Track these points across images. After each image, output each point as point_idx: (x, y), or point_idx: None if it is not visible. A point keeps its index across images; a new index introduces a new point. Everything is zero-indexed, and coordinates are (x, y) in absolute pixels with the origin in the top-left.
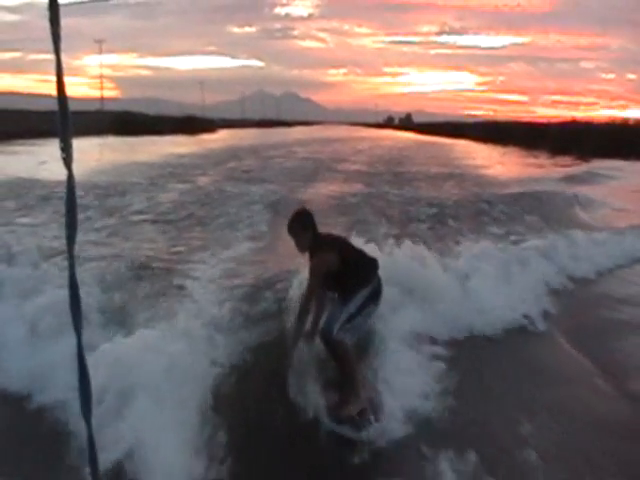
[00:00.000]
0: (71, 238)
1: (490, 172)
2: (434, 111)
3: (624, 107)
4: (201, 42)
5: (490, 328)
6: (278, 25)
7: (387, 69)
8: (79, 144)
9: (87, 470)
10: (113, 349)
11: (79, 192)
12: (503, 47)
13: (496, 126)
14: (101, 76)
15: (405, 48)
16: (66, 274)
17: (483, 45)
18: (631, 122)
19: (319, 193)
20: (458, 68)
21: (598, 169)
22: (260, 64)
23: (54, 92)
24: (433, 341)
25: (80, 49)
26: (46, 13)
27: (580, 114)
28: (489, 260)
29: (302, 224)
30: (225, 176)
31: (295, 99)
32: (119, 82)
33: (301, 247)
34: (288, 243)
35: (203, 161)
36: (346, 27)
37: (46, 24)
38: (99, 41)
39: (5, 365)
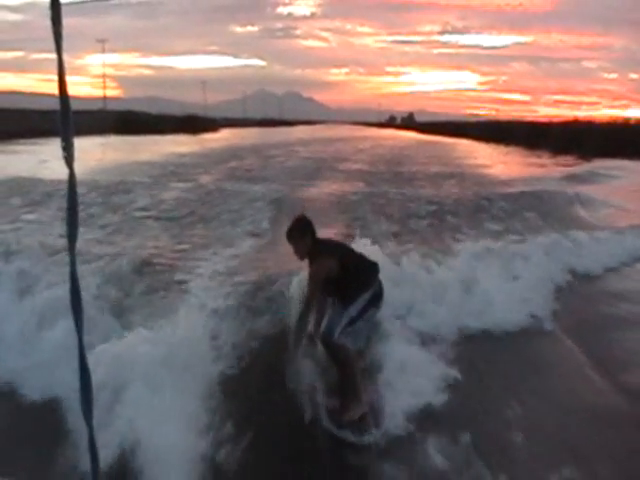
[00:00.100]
0: (72, 236)
1: (491, 171)
2: (436, 110)
3: (626, 107)
4: (203, 41)
5: (496, 327)
6: (280, 24)
7: (389, 68)
8: (81, 143)
9: (87, 470)
10: (113, 345)
11: (82, 190)
12: (505, 47)
13: (498, 125)
14: (103, 75)
15: (407, 47)
16: (67, 270)
17: (485, 45)
18: (633, 122)
19: (320, 192)
20: (460, 67)
21: (599, 168)
22: (262, 63)
23: (56, 91)
24: (438, 340)
25: (82, 48)
26: (48, 13)
27: (582, 114)
28: (490, 259)
29: (301, 231)
30: (227, 175)
31: (297, 98)
32: (121, 81)
33: (300, 254)
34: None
35: (205, 160)
36: (348, 26)
37: (48, 24)
38: (101, 40)
39: (5, 362)
